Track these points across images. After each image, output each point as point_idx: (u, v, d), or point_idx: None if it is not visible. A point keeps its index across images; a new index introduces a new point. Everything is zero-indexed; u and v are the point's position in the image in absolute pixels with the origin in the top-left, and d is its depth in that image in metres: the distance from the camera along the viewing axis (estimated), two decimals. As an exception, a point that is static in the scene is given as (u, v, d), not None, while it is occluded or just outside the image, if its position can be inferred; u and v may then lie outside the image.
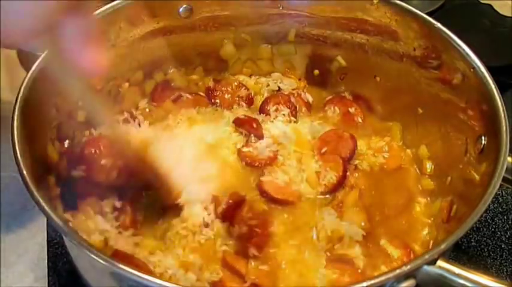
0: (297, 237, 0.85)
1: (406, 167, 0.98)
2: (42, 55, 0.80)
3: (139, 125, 0.97)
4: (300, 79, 1.10)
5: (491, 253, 0.98)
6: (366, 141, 0.99)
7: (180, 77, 1.06)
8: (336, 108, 1.04)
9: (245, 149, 0.95)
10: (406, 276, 0.63)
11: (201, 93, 1.06)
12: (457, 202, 0.84)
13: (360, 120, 1.04)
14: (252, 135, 0.96)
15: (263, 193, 0.89)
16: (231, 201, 0.85)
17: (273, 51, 1.08)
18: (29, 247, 0.98)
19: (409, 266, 0.62)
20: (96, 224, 0.82)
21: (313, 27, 1.03)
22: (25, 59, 1.13)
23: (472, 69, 0.84)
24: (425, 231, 0.89)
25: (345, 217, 0.87)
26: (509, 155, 0.73)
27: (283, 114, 1.01)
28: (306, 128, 1.00)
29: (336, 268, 0.81)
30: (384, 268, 0.82)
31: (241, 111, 1.02)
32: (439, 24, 0.89)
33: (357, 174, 0.94)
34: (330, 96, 1.07)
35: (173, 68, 1.04)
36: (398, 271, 0.62)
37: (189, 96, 1.04)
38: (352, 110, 1.04)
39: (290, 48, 1.08)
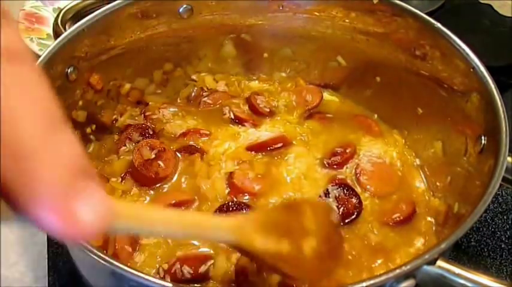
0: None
1: (406, 167, 0.98)
2: (42, 53, 0.80)
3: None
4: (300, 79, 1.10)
5: (491, 253, 0.97)
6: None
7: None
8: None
9: None
10: (406, 276, 0.63)
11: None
12: (457, 202, 0.84)
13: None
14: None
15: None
16: None
17: (273, 51, 1.08)
18: (29, 247, 0.98)
19: (409, 266, 0.62)
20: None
21: (314, 27, 1.03)
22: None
23: (472, 69, 0.83)
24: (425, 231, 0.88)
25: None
26: (509, 155, 0.73)
27: None
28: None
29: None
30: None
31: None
32: (439, 24, 0.89)
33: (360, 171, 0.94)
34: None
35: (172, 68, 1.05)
36: (398, 271, 0.62)
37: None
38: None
39: (290, 48, 1.08)
